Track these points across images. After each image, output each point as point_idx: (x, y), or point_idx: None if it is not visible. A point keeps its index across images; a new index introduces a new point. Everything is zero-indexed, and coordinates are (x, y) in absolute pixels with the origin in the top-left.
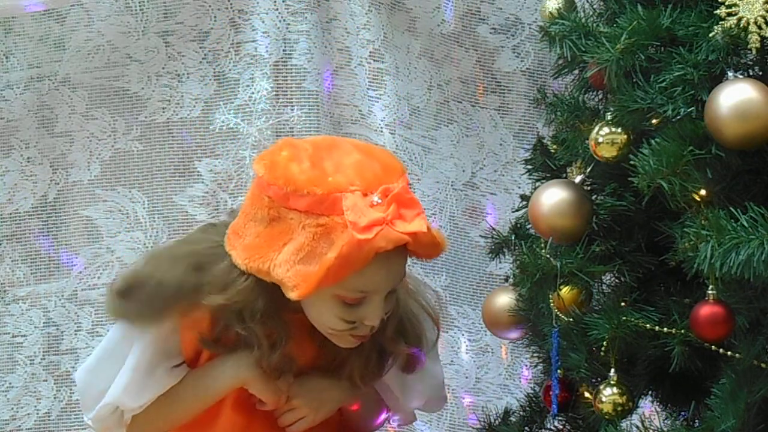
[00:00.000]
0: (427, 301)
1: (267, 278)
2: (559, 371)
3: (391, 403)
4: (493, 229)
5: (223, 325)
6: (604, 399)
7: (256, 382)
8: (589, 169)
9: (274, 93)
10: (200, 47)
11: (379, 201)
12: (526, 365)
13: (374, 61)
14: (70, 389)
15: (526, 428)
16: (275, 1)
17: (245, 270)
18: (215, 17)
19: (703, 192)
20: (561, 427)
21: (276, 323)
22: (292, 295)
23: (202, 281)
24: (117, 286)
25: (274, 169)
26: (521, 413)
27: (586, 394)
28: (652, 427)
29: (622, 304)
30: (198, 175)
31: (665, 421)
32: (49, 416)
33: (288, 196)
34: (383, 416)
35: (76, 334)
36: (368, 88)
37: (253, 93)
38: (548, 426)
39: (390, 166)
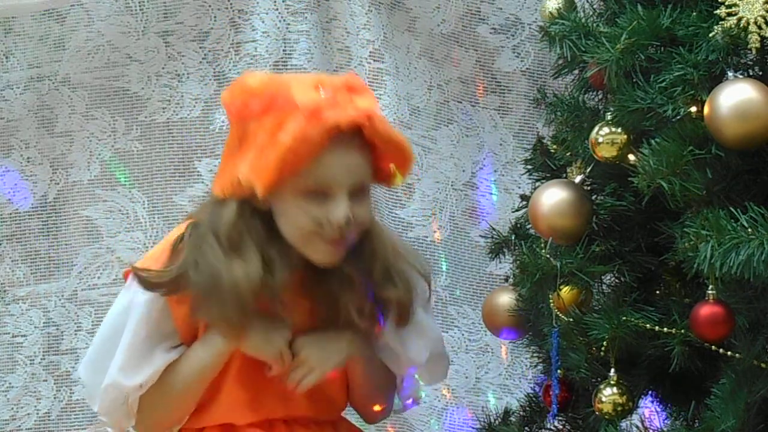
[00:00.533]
0: (418, 262)
1: (240, 191)
2: (559, 371)
3: (394, 364)
4: (493, 229)
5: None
6: (604, 399)
7: (250, 338)
8: (589, 169)
9: None
10: (200, 47)
11: (331, 93)
12: (526, 365)
13: (374, 61)
14: (70, 389)
15: (526, 428)
16: (275, 1)
17: (225, 196)
18: (215, 17)
19: (703, 192)
20: (561, 427)
21: (269, 248)
22: (259, 190)
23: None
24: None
25: (233, 87)
26: (521, 413)
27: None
28: (652, 427)
29: (622, 304)
30: (198, 175)
31: (665, 421)
32: (49, 416)
33: (246, 103)
34: (392, 394)
35: (76, 334)
36: None
37: None
38: (548, 426)
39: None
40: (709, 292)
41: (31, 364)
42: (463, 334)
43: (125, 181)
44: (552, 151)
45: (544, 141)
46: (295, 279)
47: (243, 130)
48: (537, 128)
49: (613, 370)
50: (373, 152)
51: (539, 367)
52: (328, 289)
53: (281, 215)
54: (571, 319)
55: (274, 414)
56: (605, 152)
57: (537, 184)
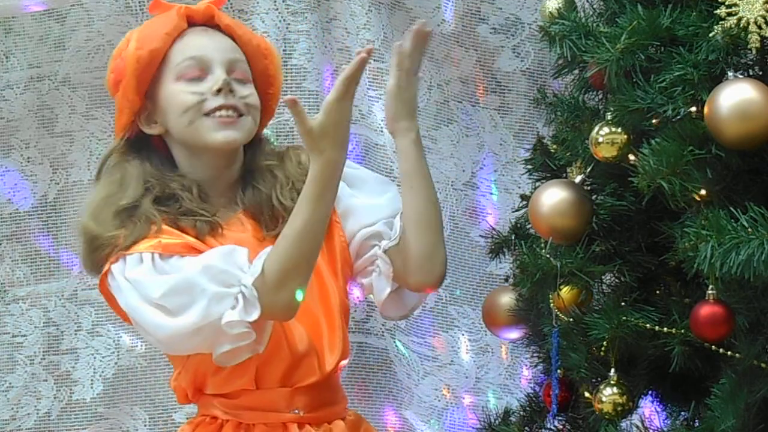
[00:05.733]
0: None
1: (126, 121)
2: (559, 371)
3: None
4: (493, 229)
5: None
6: (604, 399)
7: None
8: (589, 169)
9: None
10: None
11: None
12: (526, 365)
13: (374, 61)
14: (70, 389)
15: (526, 428)
16: (275, 1)
17: (117, 144)
18: None
19: (703, 192)
20: (561, 427)
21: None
22: (130, 98)
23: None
24: None
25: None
26: (521, 413)
27: (586, 394)
28: (652, 427)
29: (622, 304)
30: None
31: (665, 421)
32: (49, 416)
33: (115, 65)
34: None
35: (76, 334)
36: (368, 88)
37: None
38: (548, 426)
39: None
40: (709, 292)
41: (31, 364)
42: (463, 334)
43: None
44: (552, 151)
45: (544, 141)
46: (227, 197)
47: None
48: (537, 128)
49: (613, 370)
50: (244, 50)
51: (539, 367)
52: (257, 193)
53: (165, 114)
54: (571, 319)
55: (283, 366)
56: (605, 152)
57: (537, 184)
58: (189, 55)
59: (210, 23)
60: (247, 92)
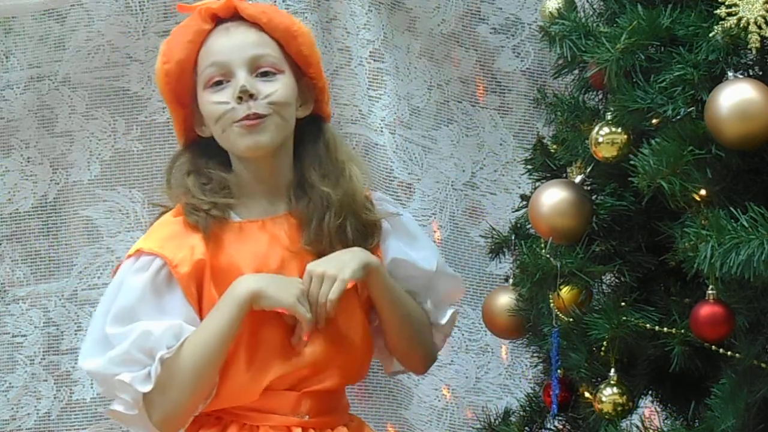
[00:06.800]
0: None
1: (179, 129)
2: (559, 371)
3: (408, 278)
4: (493, 229)
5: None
6: (604, 399)
7: (264, 293)
8: (589, 169)
9: None
10: None
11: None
12: (526, 365)
13: (374, 61)
14: (70, 389)
15: (526, 428)
16: (275, 1)
17: (178, 151)
18: None
19: (703, 192)
20: (561, 427)
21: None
22: (174, 109)
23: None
24: None
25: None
26: (521, 413)
27: (586, 394)
28: (652, 427)
29: (622, 304)
30: None
31: (665, 421)
32: (49, 416)
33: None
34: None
35: (76, 334)
36: (368, 88)
37: None
38: (548, 426)
39: None
40: (709, 292)
41: (31, 364)
42: (463, 334)
43: None
44: (552, 151)
45: (544, 141)
46: (273, 195)
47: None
48: (537, 128)
49: (613, 370)
50: (273, 37)
51: (539, 367)
52: (311, 207)
53: (207, 122)
54: (571, 319)
55: (302, 373)
56: (605, 152)
57: (537, 184)
58: (210, 62)
59: (234, 17)
60: (272, 89)
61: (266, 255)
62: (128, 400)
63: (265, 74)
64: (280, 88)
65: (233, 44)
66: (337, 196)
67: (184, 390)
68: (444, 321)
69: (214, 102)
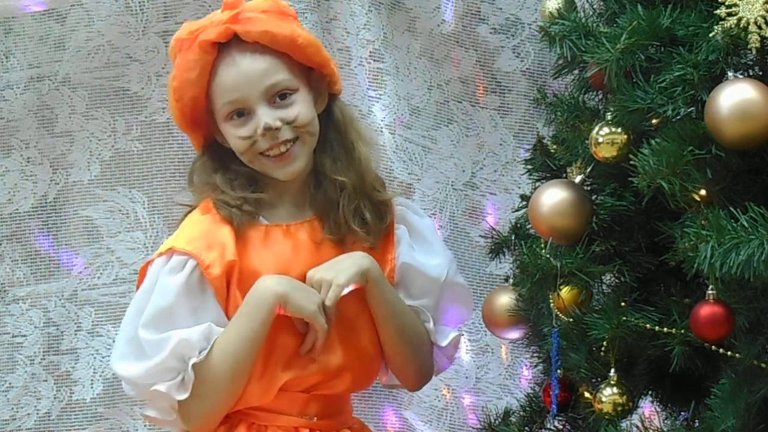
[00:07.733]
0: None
1: (197, 144)
2: (559, 371)
3: (416, 287)
4: (493, 229)
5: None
6: (604, 399)
7: (292, 298)
8: (589, 169)
9: None
10: None
11: (206, 22)
12: (526, 365)
13: (374, 61)
14: (70, 389)
15: (526, 428)
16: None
17: (198, 158)
18: None
19: (703, 192)
20: (561, 427)
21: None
22: (185, 132)
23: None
24: None
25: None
26: (521, 413)
27: (586, 394)
28: (652, 427)
29: (622, 304)
30: None
31: (665, 421)
32: (49, 416)
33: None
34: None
35: (76, 334)
36: (368, 88)
37: None
38: (548, 426)
39: None
40: (709, 292)
41: (31, 364)
42: (463, 334)
43: None
44: (552, 151)
45: (544, 141)
46: (298, 199)
47: None
48: (537, 128)
49: (613, 370)
50: (279, 52)
51: (539, 367)
52: (327, 198)
53: (231, 145)
54: (571, 319)
55: (315, 378)
56: (605, 152)
57: (537, 184)
58: (226, 100)
59: (235, 40)
60: (294, 113)
61: (289, 262)
62: (165, 407)
63: (282, 96)
64: (300, 109)
65: (245, 78)
66: (350, 180)
67: (219, 395)
68: (444, 343)
69: (238, 137)
